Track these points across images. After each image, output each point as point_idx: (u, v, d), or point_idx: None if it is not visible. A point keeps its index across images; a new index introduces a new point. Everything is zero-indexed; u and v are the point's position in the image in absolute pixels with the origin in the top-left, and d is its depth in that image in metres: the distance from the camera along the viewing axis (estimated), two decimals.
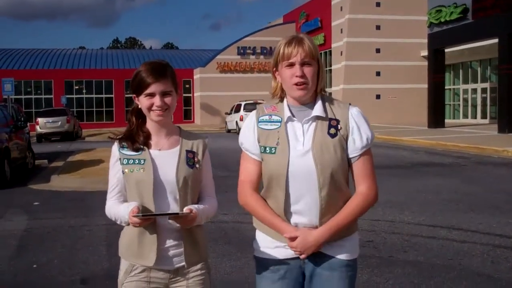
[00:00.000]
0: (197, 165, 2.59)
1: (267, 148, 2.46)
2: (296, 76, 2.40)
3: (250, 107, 31.25)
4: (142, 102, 2.52)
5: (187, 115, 54.25)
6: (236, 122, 34.04)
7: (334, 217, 2.41)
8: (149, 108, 2.51)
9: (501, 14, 25.37)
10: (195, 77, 54.03)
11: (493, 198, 9.76)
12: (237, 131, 32.50)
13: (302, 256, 2.42)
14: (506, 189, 10.68)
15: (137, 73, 2.52)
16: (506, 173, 13.14)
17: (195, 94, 54.07)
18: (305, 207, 2.41)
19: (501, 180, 11.97)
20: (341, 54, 42.02)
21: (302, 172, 2.40)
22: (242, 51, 52.41)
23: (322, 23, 46.08)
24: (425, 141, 22.19)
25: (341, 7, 42.48)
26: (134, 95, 2.57)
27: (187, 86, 54.37)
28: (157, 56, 59.27)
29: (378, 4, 41.34)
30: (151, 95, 2.48)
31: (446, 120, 33.52)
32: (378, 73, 41.47)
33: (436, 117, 31.14)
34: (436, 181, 11.89)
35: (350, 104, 2.53)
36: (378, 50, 41.38)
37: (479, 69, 37.66)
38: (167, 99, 2.51)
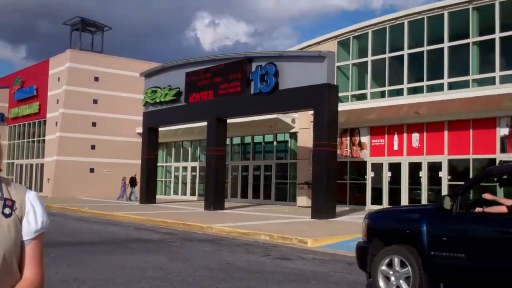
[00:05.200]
0: None
1: None
2: None
3: None
4: None
5: None
6: None
7: None
8: None
9: (210, 101, 27.50)
10: None
11: (196, 274, 10.13)
12: None
13: None
14: (208, 265, 11.19)
15: None
16: (209, 249, 13.82)
17: None
18: None
19: (204, 256, 12.53)
20: (56, 125, 40.93)
21: None
22: None
23: (38, 91, 44.58)
24: (136, 216, 22.41)
25: (59, 78, 41.79)
26: None
27: None
28: None
29: (96, 79, 41.60)
30: None
31: (158, 196, 34.49)
32: (93, 147, 41.22)
33: (148, 193, 31.82)
34: (143, 258, 11.95)
35: (27, 187, 2.43)
36: (94, 124, 41.30)
37: (190, 148, 39.92)
38: None
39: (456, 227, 7.23)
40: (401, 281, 7.49)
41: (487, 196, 7.71)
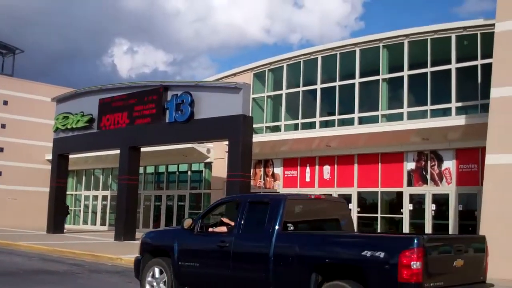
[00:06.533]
0: None
1: None
2: None
3: None
4: None
5: None
6: None
7: None
8: None
9: (123, 129, 27.03)
10: None
11: None
12: None
13: None
14: None
15: None
16: (118, 281, 13.44)
17: None
18: None
19: None
20: None
21: None
22: None
23: None
24: (42, 246, 21.52)
25: None
26: None
27: None
28: None
29: (5, 103, 40.24)
30: None
31: (66, 226, 33.36)
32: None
33: (56, 222, 30.66)
34: None
35: None
36: (1, 149, 39.74)
37: (101, 177, 38.95)
38: None
39: (194, 243, 9.42)
40: (161, 284, 9.69)
41: (224, 219, 9.84)
